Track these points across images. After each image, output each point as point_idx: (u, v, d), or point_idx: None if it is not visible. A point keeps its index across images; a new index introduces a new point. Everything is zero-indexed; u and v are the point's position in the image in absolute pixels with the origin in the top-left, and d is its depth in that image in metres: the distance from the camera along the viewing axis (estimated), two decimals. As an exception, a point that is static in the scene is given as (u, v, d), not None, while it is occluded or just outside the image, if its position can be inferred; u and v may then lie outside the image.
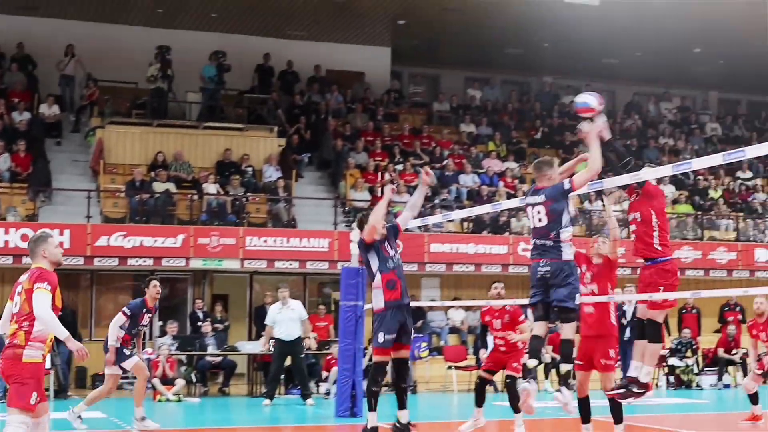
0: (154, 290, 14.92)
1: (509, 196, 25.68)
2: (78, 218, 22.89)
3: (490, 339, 14.53)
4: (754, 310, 15.44)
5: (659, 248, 10.47)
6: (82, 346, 8.80)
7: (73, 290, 23.63)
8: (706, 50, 31.77)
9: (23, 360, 8.74)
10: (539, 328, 10.45)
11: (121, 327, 14.61)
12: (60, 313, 9.03)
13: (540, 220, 10.25)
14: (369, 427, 11.30)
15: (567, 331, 10.22)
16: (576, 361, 11.51)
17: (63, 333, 8.75)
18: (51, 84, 27.52)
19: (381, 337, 10.97)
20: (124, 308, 14.85)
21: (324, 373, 21.43)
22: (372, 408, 11.24)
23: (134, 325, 14.72)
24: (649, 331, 10.44)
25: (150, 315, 14.98)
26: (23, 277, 8.98)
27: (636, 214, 10.61)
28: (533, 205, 10.33)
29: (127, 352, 14.66)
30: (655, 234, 10.50)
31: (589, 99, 10.60)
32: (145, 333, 15.56)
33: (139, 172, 24.49)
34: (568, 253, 10.20)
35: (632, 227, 10.62)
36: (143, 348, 15.64)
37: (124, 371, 14.91)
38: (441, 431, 14.19)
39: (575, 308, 10.28)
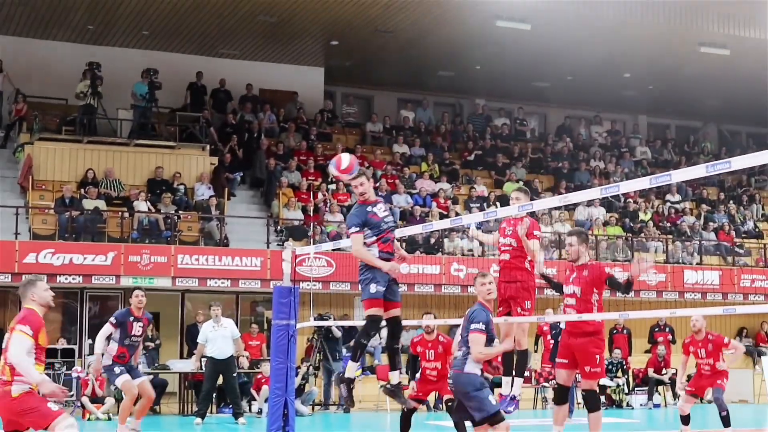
0: (135, 299, 14.86)
1: (442, 217, 25.77)
2: (6, 235, 22.55)
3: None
4: (691, 327, 15.57)
5: (599, 321, 10.74)
6: (57, 387, 8.85)
7: (1, 308, 23.32)
8: (636, 75, 32.25)
9: (13, 395, 8.76)
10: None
11: (112, 339, 14.44)
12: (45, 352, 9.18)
13: (461, 335, 10.60)
14: (345, 376, 11.22)
15: None
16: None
17: (36, 378, 8.82)
18: (-22, 99, 27.18)
19: (373, 288, 10.62)
20: (111, 317, 14.72)
21: (253, 392, 21.28)
22: (355, 359, 11.09)
23: (125, 335, 14.52)
24: (590, 402, 10.51)
25: (141, 325, 14.78)
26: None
27: (576, 288, 10.72)
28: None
29: (117, 370, 14.44)
30: (594, 308, 10.74)
31: (330, 168, 10.85)
32: (140, 345, 15.27)
33: (68, 189, 24.22)
34: (470, 367, 10.34)
35: (569, 300, 10.69)
36: (138, 362, 15.41)
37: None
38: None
39: (496, 411, 10.34)
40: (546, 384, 23.39)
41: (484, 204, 28.27)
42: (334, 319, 22.36)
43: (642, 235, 29.63)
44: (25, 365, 8.71)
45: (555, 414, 10.72)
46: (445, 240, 26.53)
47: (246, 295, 25.18)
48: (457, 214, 26.58)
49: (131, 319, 14.63)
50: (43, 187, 25.07)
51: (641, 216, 30.63)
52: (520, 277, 11.35)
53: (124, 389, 14.56)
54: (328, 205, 26.51)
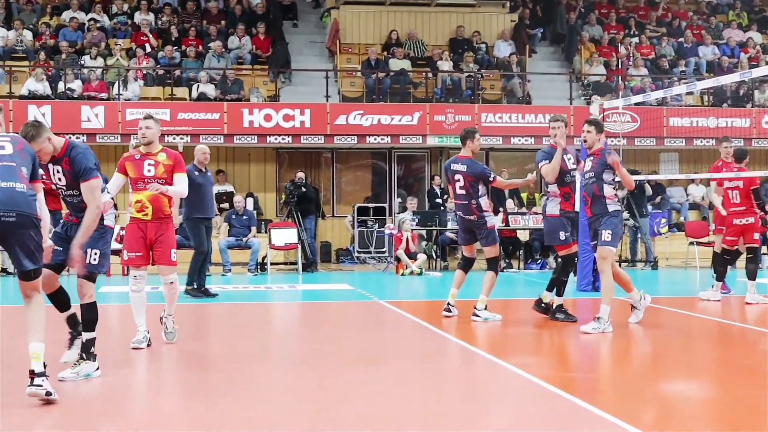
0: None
1: (752, 68, 24.72)
2: (317, 98, 23.44)
3: None
4: None
5: None
6: None
7: (315, 168, 24.42)
8: None
9: None
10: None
11: None
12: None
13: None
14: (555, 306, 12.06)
15: None
16: None
17: None
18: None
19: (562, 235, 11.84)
20: None
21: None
22: (560, 294, 12.10)
23: None
24: None
25: None
26: None
27: None
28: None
29: None
30: None
31: None
32: None
33: (373, 51, 24.81)
34: None
35: None
36: None
37: None
38: (683, 306, 14.04)
39: None
40: None
41: (798, 53, 26.91)
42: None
43: None
44: None
45: None
46: (756, 92, 25.48)
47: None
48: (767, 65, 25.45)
49: None
50: (350, 50, 25.82)
51: None
52: None
53: None
54: (632, 59, 25.95)
